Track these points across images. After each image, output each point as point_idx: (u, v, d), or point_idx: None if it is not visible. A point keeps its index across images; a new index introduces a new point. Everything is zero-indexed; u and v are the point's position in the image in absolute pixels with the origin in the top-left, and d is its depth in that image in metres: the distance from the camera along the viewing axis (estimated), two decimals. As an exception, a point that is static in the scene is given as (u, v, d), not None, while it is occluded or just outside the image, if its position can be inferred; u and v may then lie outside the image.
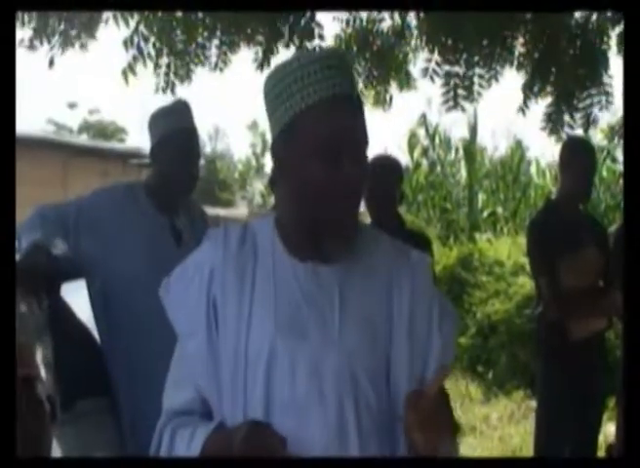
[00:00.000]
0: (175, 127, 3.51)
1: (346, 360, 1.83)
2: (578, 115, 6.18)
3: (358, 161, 1.78)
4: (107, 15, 5.70)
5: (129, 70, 5.85)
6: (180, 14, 5.94)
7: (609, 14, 6.02)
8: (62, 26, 5.68)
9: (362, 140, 1.81)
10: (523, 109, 6.17)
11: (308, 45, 6.00)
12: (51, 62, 5.70)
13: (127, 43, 5.81)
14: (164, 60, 6.10)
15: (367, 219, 4.29)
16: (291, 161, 1.80)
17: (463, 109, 5.84)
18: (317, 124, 1.75)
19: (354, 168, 1.77)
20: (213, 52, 6.16)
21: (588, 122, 6.21)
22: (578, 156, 4.59)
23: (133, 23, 5.83)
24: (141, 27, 5.87)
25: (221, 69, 6.19)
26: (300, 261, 1.89)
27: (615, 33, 6.17)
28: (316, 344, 1.82)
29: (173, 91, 6.15)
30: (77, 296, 3.50)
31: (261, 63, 6.15)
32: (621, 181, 15.22)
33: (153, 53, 5.99)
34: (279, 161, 1.84)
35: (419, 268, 1.97)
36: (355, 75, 2.42)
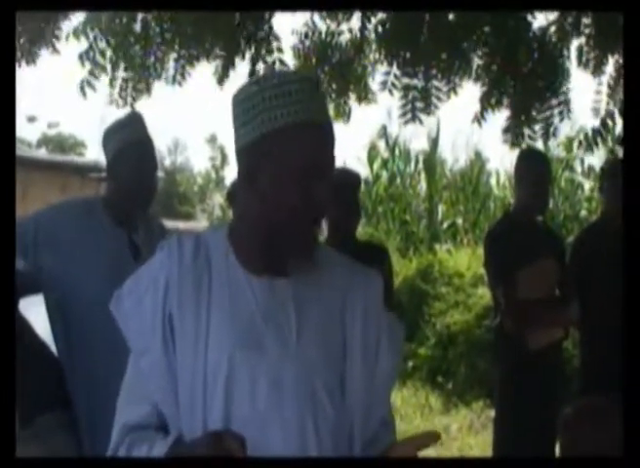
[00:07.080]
0: (129, 140, 3.50)
1: (305, 373, 1.84)
2: (537, 127, 6.22)
3: (325, 182, 1.83)
4: (67, 27, 5.70)
5: (86, 85, 5.82)
6: (137, 29, 5.93)
7: (568, 27, 6.09)
8: (21, 41, 5.64)
9: (330, 163, 1.87)
10: (479, 120, 6.20)
11: (267, 58, 6.01)
12: None
13: (83, 57, 5.79)
14: (122, 74, 6.08)
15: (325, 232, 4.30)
16: (259, 177, 1.82)
17: (421, 122, 5.86)
18: (291, 145, 1.79)
19: (321, 188, 1.82)
20: (171, 65, 6.15)
21: (548, 133, 6.25)
22: (532, 168, 4.63)
23: (90, 37, 5.81)
24: (99, 41, 5.85)
25: (180, 83, 6.17)
26: (254, 275, 1.89)
27: (574, 46, 6.24)
28: (275, 357, 1.83)
29: (132, 104, 6.13)
30: (35, 311, 3.47)
31: (220, 77, 6.14)
32: (579, 192, 15.39)
33: (110, 67, 5.97)
34: (246, 175, 1.86)
35: (370, 287, 2.00)
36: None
